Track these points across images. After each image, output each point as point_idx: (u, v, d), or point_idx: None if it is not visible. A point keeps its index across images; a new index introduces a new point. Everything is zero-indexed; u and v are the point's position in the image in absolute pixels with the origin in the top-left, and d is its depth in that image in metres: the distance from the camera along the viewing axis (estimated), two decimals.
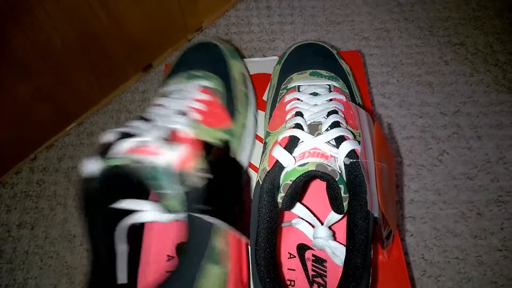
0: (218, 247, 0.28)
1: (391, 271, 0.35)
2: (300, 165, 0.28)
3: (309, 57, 0.41)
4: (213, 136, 0.33)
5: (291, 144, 0.29)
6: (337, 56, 0.42)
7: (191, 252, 0.27)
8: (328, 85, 0.37)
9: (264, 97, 0.46)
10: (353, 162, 0.28)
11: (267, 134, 0.35)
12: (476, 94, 0.63)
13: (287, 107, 0.35)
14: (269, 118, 0.38)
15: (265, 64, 0.49)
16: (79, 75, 0.59)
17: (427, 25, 0.71)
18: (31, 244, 0.54)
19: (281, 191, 0.28)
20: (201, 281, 0.26)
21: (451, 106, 0.62)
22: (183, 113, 0.33)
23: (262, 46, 0.70)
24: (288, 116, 0.33)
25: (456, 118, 0.61)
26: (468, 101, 0.62)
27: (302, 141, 0.30)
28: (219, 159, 0.32)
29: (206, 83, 0.37)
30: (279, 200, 0.28)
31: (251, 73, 0.48)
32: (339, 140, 0.29)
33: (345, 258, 0.27)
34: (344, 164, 0.28)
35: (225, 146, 0.34)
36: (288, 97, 0.35)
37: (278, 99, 0.38)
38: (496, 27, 0.70)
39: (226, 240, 0.28)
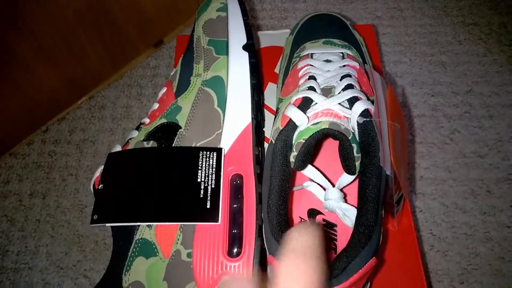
0: (146, 239, 0.28)
1: (400, 238, 0.35)
2: (313, 124, 0.28)
3: (322, 27, 0.41)
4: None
5: (304, 105, 0.29)
6: (350, 27, 0.42)
7: (117, 247, 0.29)
8: (342, 53, 0.37)
9: (276, 70, 0.46)
10: (367, 121, 0.28)
11: (279, 100, 0.35)
12: (489, 74, 0.62)
13: (300, 73, 0.34)
14: (281, 87, 0.38)
15: (277, 37, 0.49)
16: (90, 49, 0.59)
17: (441, 5, 0.70)
18: (43, 213, 0.55)
19: (294, 150, 0.28)
20: (128, 273, 0.27)
21: (463, 86, 0.61)
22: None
23: (274, 24, 0.69)
24: (301, 81, 0.33)
25: (468, 97, 0.60)
26: (481, 80, 0.62)
27: (316, 103, 0.29)
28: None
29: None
30: (292, 159, 0.28)
31: (262, 46, 0.48)
32: (352, 101, 0.29)
33: (356, 215, 0.27)
34: (357, 123, 0.28)
35: None
36: (301, 64, 0.35)
37: (291, 67, 0.38)
38: (511, 7, 0.68)
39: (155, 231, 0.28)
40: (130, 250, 0.28)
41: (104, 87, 0.64)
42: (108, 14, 0.57)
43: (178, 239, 0.28)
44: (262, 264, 0.28)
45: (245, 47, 0.33)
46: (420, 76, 0.62)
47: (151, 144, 0.31)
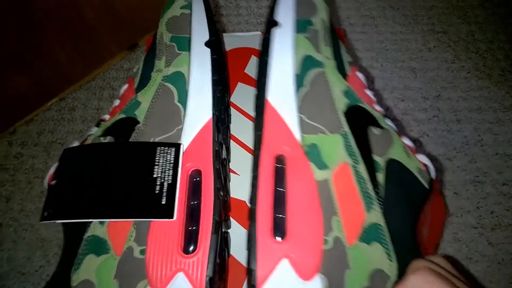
0: (98, 236, 0.27)
1: None
2: None
3: None
4: None
5: None
6: None
7: (67, 244, 0.28)
8: None
9: (247, 70, 0.46)
10: None
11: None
12: (457, 80, 0.64)
13: None
14: None
15: (247, 39, 0.49)
16: (60, 50, 0.58)
17: (412, 14, 0.72)
18: (6, 217, 0.53)
19: None
20: (77, 272, 0.26)
21: (432, 91, 0.63)
22: None
23: (250, 29, 0.70)
24: None
25: (437, 102, 0.61)
26: (449, 86, 0.63)
27: None
28: None
29: None
30: None
31: (230, 48, 0.48)
32: None
33: None
34: None
35: None
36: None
37: None
38: (478, 17, 0.71)
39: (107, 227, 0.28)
40: (80, 247, 0.27)
41: (76, 89, 0.63)
42: (80, 15, 0.56)
43: (132, 236, 0.27)
44: (220, 261, 0.27)
45: (207, 44, 0.33)
46: (391, 81, 0.64)
47: (108, 139, 0.31)
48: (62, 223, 0.28)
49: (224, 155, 0.33)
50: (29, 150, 0.58)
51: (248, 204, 0.27)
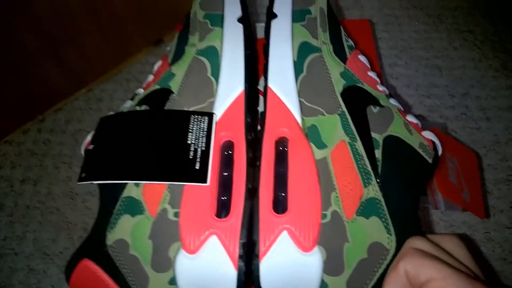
0: (133, 197, 0.27)
1: None
2: None
3: None
4: None
5: None
6: None
7: (103, 204, 0.28)
8: None
9: None
10: None
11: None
12: (484, 79, 0.63)
13: None
14: None
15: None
16: (91, 41, 0.60)
17: (436, 13, 0.71)
18: (33, 199, 0.54)
19: None
20: (112, 231, 0.26)
21: (459, 89, 0.62)
22: None
23: None
24: None
25: (464, 100, 0.61)
26: (477, 84, 0.62)
27: None
28: None
29: None
30: None
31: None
32: None
33: None
34: None
35: None
36: None
37: None
38: (505, 17, 0.70)
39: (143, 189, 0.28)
40: (116, 207, 0.27)
41: (103, 81, 0.65)
42: (109, 7, 0.58)
43: (166, 198, 0.27)
44: (250, 227, 0.27)
45: (240, 20, 0.34)
46: (416, 78, 0.63)
47: (144, 108, 0.31)
48: (98, 184, 0.29)
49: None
50: (57, 137, 0.60)
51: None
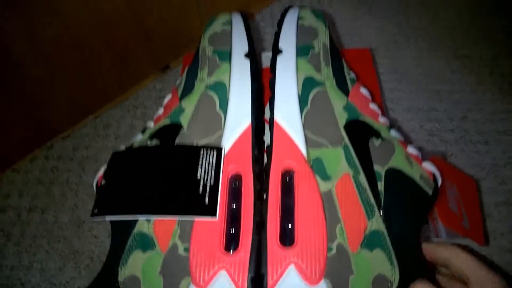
0: (144, 233, 0.28)
1: None
2: None
3: None
4: None
5: None
6: None
7: (115, 240, 0.29)
8: None
9: None
10: None
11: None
12: (482, 102, 0.64)
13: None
14: None
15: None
16: (100, 67, 0.62)
17: (434, 39, 0.73)
18: (40, 228, 0.55)
19: None
20: (124, 267, 0.27)
21: (458, 112, 0.63)
22: None
23: None
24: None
25: (463, 123, 0.62)
26: (475, 108, 0.63)
27: None
28: None
29: None
30: None
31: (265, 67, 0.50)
32: None
33: None
34: None
35: None
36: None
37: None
38: (501, 41, 0.72)
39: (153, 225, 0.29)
40: (128, 243, 0.28)
41: (110, 107, 0.66)
42: (119, 36, 0.60)
43: (176, 233, 0.28)
44: (258, 260, 0.28)
45: (247, 55, 0.35)
46: (416, 102, 0.64)
47: (154, 142, 0.32)
48: (110, 220, 0.30)
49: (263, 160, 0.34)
50: (65, 164, 0.61)
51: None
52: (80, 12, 0.53)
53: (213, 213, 0.28)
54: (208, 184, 0.30)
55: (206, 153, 0.31)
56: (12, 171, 0.61)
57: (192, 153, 0.31)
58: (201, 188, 0.29)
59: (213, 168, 0.30)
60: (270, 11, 0.79)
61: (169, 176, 0.30)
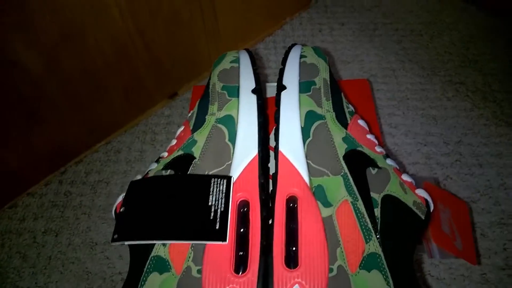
0: (161, 256, 0.30)
1: None
2: None
3: None
4: None
5: None
6: None
7: (134, 264, 0.31)
8: None
9: None
10: None
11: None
12: (476, 127, 0.67)
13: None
14: None
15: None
16: (114, 95, 0.65)
17: (429, 66, 0.77)
18: (55, 250, 0.57)
19: None
20: (142, 287, 0.29)
21: (453, 137, 0.66)
22: None
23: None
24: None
25: (458, 147, 0.65)
26: (469, 132, 0.66)
27: None
28: None
29: None
30: None
31: (269, 96, 0.54)
32: None
33: None
34: None
35: None
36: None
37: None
38: (494, 69, 0.75)
39: (169, 249, 0.31)
40: (146, 266, 0.31)
41: (121, 133, 0.70)
42: (131, 64, 0.64)
43: (190, 257, 0.31)
44: (265, 281, 0.30)
45: (253, 91, 0.39)
46: (413, 127, 0.67)
47: (169, 172, 0.35)
48: (129, 245, 0.32)
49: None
50: (78, 188, 0.63)
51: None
52: (94, 40, 0.57)
53: (223, 238, 0.31)
54: (219, 211, 0.32)
55: (217, 182, 0.34)
56: (27, 195, 0.64)
57: (204, 181, 0.34)
58: (212, 214, 0.32)
59: (223, 195, 0.33)
60: (273, 39, 0.83)
61: (183, 203, 0.33)
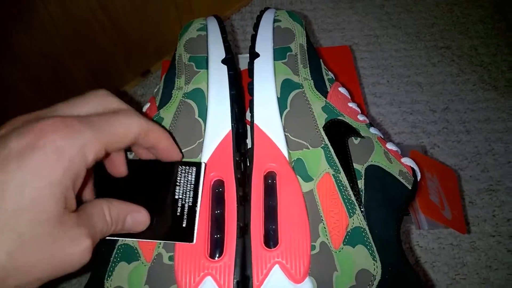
0: (128, 244, 0.28)
1: None
2: None
3: None
4: None
5: None
6: None
7: (99, 254, 0.28)
8: None
9: None
10: None
11: None
12: (463, 92, 0.65)
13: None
14: None
15: None
16: (79, 77, 0.61)
17: (414, 31, 0.74)
18: None
19: None
20: (110, 279, 0.27)
21: (440, 104, 0.64)
22: None
23: None
24: None
25: (445, 114, 0.63)
26: (456, 98, 0.64)
27: None
28: None
29: None
30: None
31: (242, 69, 0.50)
32: None
33: None
34: None
35: None
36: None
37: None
38: (480, 32, 0.73)
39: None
40: (112, 255, 0.28)
41: None
42: (95, 41, 0.59)
43: (160, 243, 0.28)
44: (244, 263, 0.28)
45: (224, 61, 0.35)
46: (398, 96, 0.65)
47: (133, 155, 0.32)
48: None
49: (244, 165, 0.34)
50: None
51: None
52: (49, 16, 0.52)
53: (190, 238, 0.27)
54: (187, 205, 0.28)
55: (185, 170, 0.29)
56: None
57: (170, 170, 0.29)
58: (179, 209, 0.28)
59: (192, 187, 0.29)
60: (250, 9, 0.78)
61: (145, 195, 0.29)
